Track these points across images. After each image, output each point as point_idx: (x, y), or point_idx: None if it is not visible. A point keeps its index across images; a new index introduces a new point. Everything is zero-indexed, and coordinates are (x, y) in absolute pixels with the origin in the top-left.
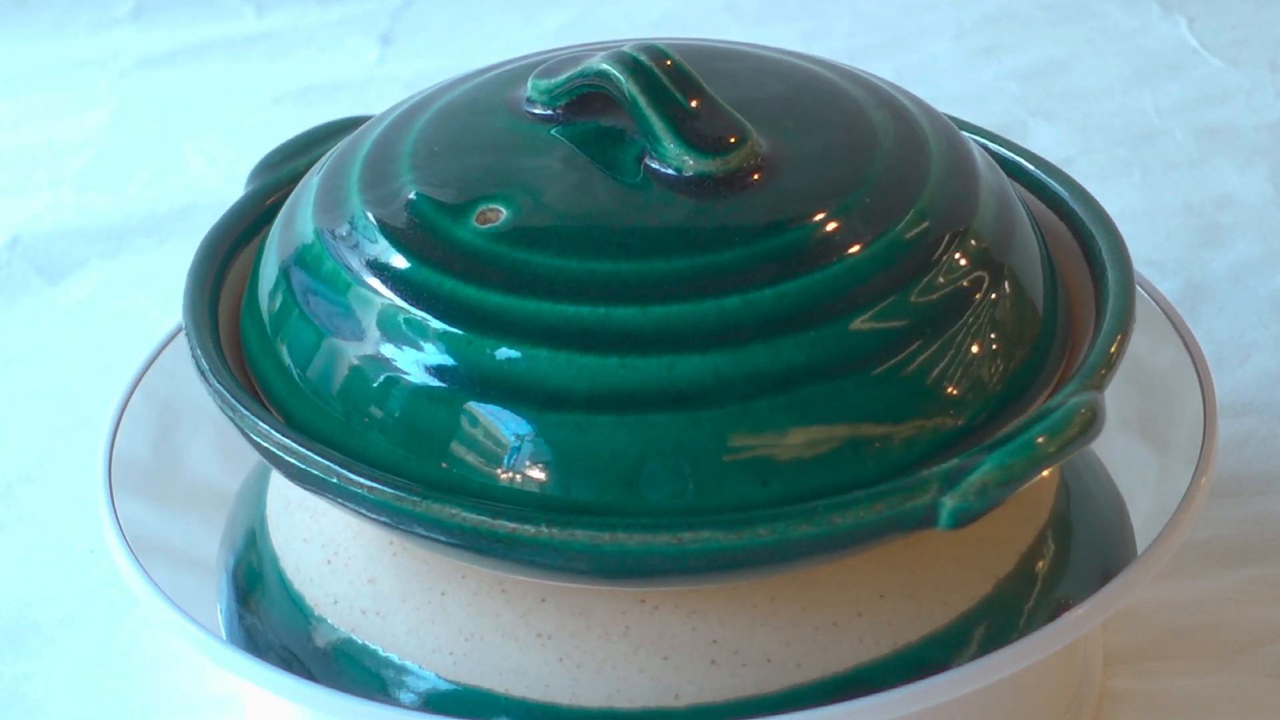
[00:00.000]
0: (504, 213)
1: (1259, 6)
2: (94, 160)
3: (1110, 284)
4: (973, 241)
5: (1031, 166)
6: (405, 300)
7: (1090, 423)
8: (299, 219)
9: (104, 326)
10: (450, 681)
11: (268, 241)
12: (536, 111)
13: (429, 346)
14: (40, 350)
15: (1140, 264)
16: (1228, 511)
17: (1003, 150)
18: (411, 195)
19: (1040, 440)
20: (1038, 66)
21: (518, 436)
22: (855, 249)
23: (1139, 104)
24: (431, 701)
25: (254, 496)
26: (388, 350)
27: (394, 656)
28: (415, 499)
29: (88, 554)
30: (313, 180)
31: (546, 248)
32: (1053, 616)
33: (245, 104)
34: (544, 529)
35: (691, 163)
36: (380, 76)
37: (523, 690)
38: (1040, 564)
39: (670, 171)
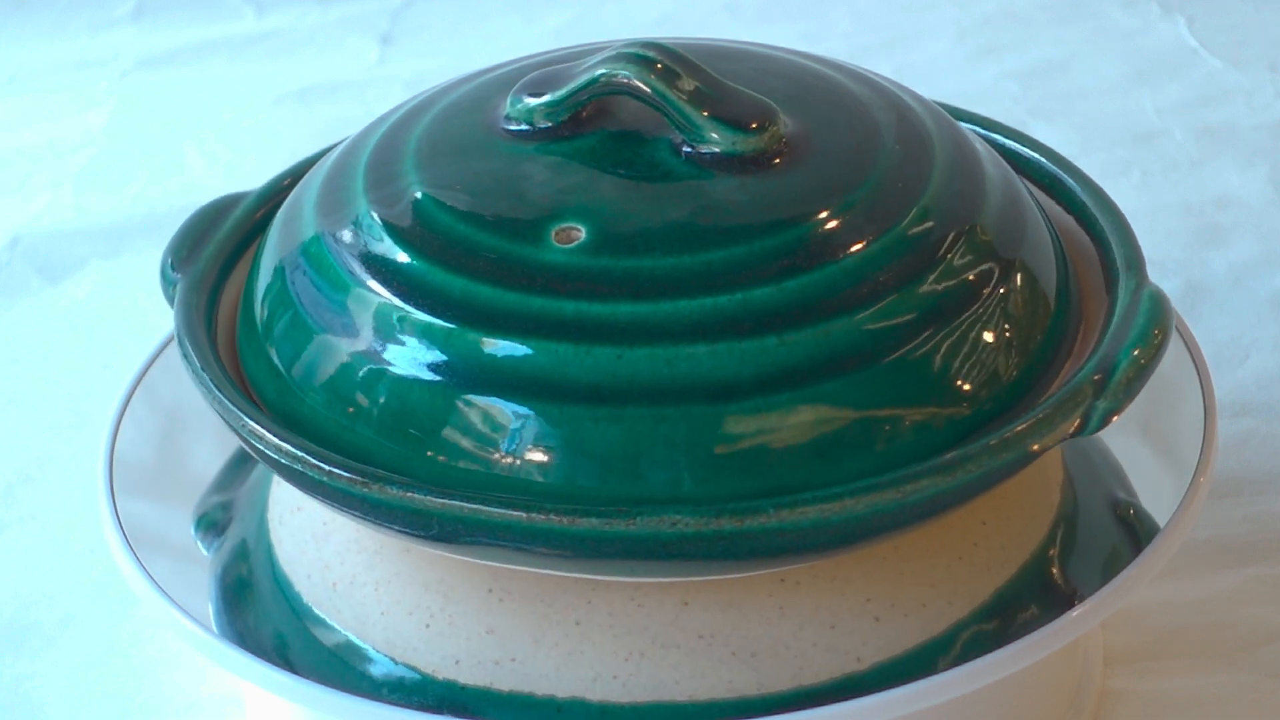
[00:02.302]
0: (581, 229)
1: (1259, 6)
2: (94, 160)
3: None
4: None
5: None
6: (531, 334)
7: (1168, 303)
8: (329, 260)
9: (104, 326)
10: (627, 704)
11: (269, 297)
12: (515, 128)
13: (576, 372)
14: (40, 350)
15: None
16: (1228, 511)
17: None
18: (471, 228)
19: (1144, 339)
20: (1038, 66)
21: (703, 435)
22: (913, 213)
23: (1139, 104)
24: None
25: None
26: (538, 388)
27: (554, 696)
28: (627, 519)
29: (88, 554)
30: (310, 216)
31: (651, 250)
32: (1118, 520)
33: (245, 104)
34: (773, 514)
35: (737, 142)
36: (380, 76)
37: (708, 693)
38: (1075, 489)
39: (717, 154)
